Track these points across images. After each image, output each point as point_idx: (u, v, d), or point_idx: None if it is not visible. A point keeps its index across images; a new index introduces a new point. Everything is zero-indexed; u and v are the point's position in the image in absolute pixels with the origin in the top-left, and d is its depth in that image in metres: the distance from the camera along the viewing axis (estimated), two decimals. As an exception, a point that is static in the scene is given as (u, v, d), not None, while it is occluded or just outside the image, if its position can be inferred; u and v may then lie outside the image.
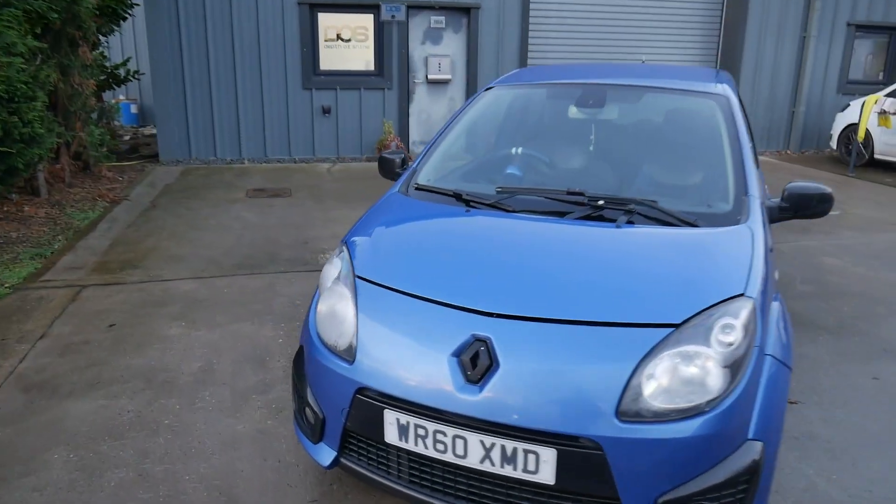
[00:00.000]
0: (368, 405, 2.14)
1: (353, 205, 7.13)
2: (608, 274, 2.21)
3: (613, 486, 1.91)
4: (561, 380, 1.93)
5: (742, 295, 2.12)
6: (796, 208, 2.72)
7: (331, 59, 9.84)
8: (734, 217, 2.51)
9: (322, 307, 2.38)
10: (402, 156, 3.35)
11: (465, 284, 2.19)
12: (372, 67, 10.01)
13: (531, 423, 1.93)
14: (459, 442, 2.01)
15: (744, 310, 2.10)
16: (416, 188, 2.94)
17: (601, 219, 2.52)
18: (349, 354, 2.20)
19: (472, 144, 3.39)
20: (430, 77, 10.17)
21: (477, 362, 1.99)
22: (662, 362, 1.93)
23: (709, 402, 1.93)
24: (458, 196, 2.77)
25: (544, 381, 1.94)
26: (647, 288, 2.13)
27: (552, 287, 2.15)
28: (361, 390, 2.15)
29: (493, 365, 1.98)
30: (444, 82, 10.32)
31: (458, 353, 2.02)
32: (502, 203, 2.66)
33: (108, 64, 9.31)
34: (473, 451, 1.99)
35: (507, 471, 1.97)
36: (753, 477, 1.96)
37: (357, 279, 2.34)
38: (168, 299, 4.41)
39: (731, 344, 2.00)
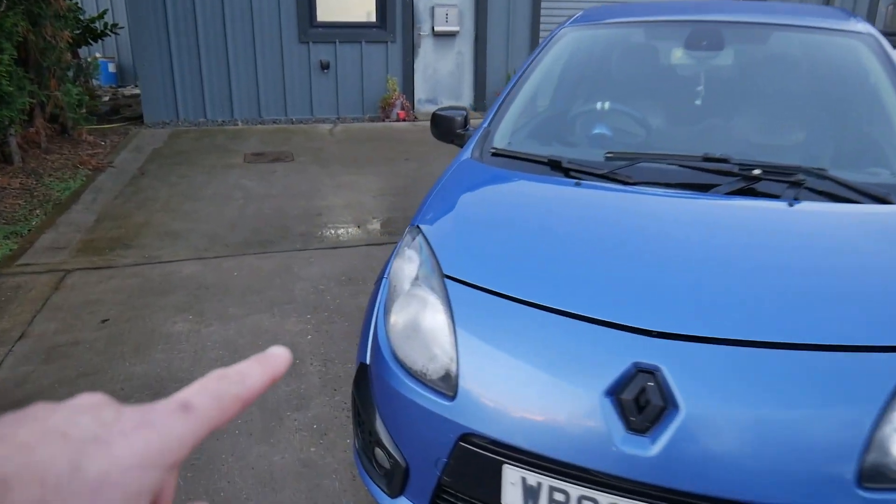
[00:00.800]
0: (478, 457, 1.55)
1: (364, 170, 6.46)
2: (806, 274, 1.61)
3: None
4: (773, 431, 1.35)
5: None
6: None
7: (329, 8, 9.00)
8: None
9: (398, 318, 1.77)
10: (464, 113, 2.70)
11: (610, 290, 1.59)
12: (374, 18, 9.19)
13: (729, 492, 1.36)
14: (615, 511, 1.44)
15: None
16: (494, 153, 2.30)
17: (753, 193, 1.91)
18: (448, 386, 1.61)
19: (549, 99, 2.74)
20: (436, 29, 9.37)
21: (643, 403, 1.40)
22: None
23: None
24: (554, 164, 2.14)
25: (748, 434, 1.36)
26: (866, 293, 1.55)
27: (739, 295, 1.55)
28: (467, 437, 1.56)
29: (666, 408, 1.39)
30: (452, 35, 9.54)
31: (614, 391, 1.43)
32: (618, 174, 2.04)
33: (82, 17, 8.43)
34: (634, 523, 1.42)
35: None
36: None
37: (447, 280, 1.72)
38: (169, 286, 3.77)
39: None
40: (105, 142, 7.50)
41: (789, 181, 1.89)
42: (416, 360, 1.68)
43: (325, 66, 9.01)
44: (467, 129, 2.67)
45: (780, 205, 1.83)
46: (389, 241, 4.57)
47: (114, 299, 3.58)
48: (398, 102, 9.17)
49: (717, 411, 1.37)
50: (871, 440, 1.33)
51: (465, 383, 1.57)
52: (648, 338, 1.46)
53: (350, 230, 4.78)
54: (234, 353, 3.03)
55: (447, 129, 2.68)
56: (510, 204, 1.98)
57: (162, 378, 2.83)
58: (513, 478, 1.51)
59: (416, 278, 1.79)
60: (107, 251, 4.29)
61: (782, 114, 2.42)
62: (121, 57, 12.77)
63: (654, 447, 1.38)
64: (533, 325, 1.56)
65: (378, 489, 1.82)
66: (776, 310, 1.49)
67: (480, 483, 1.57)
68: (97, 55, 12.47)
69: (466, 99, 9.98)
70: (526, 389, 1.50)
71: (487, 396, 1.54)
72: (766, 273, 1.60)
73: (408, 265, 1.85)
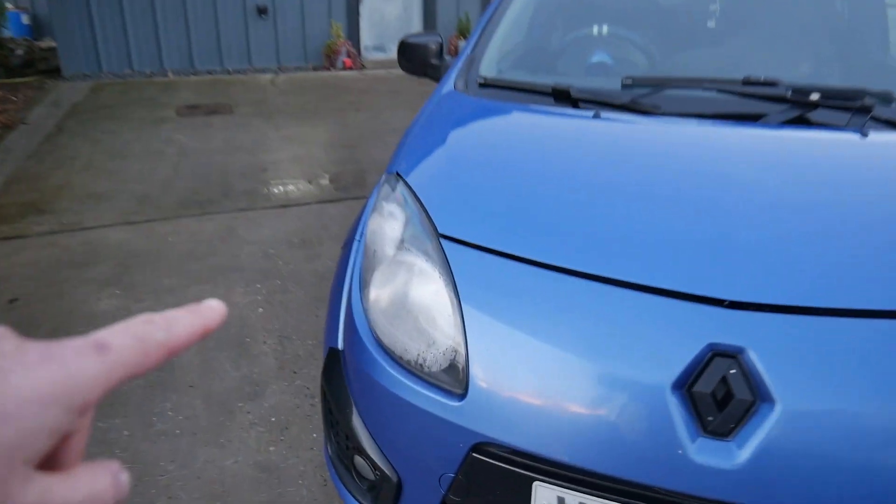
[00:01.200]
0: (498, 472, 1.18)
1: (312, 122, 5.92)
2: (876, 224, 1.27)
3: None
4: (891, 425, 1.02)
5: None
6: None
7: (264, -54, 8.24)
8: None
9: (380, 293, 1.36)
10: (439, 39, 2.25)
11: (665, 250, 1.21)
12: (313, -43, 8.47)
13: (840, 510, 1.03)
14: (683, 537, 1.10)
15: None
16: (483, 84, 1.88)
17: (809, 123, 1.55)
18: (454, 382, 1.22)
19: (538, 24, 2.31)
20: (382, -31, 8.73)
21: (724, 398, 1.05)
22: None
23: None
24: (560, 94, 1.74)
25: (862, 430, 1.02)
26: None
27: (829, 253, 1.19)
28: (482, 447, 1.19)
29: (755, 402, 1.04)
30: (399, -25, 8.92)
31: (684, 383, 1.07)
32: (642, 102, 1.64)
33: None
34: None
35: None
36: None
37: (444, 241, 1.32)
38: (92, 256, 3.25)
39: None
40: (17, 97, 6.69)
41: (854, 107, 1.54)
42: (409, 347, 1.28)
43: (262, 11, 8.29)
44: (443, 59, 2.23)
45: (849, 136, 1.48)
46: (344, 196, 4.11)
47: (25, 274, 3.05)
48: (344, 49, 8.55)
49: (823, 404, 1.03)
50: None
51: (477, 377, 1.18)
52: (726, 310, 1.10)
53: (300, 186, 4.30)
54: (171, 334, 2.57)
55: (419, 58, 2.23)
56: (513, 143, 1.57)
57: (84, 368, 2.36)
58: (546, 498, 1.15)
59: (402, 240, 1.38)
60: (18, 218, 3.70)
61: (810, 29, 2.05)
62: (36, 7, 11.59)
63: (741, 455, 1.03)
64: (566, 298, 1.17)
65: (359, 506, 1.44)
66: (876, 270, 1.15)
67: (501, 504, 1.20)
68: (9, 5, 11.31)
69: (417, 46, 9.39)
70: (561, 383, 1.13)
71: (509, 394, 1.16)
72: (853, 223, 1.25)
73: (389, 224, 1.43)
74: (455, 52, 9.07)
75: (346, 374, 1.47)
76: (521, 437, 1.15)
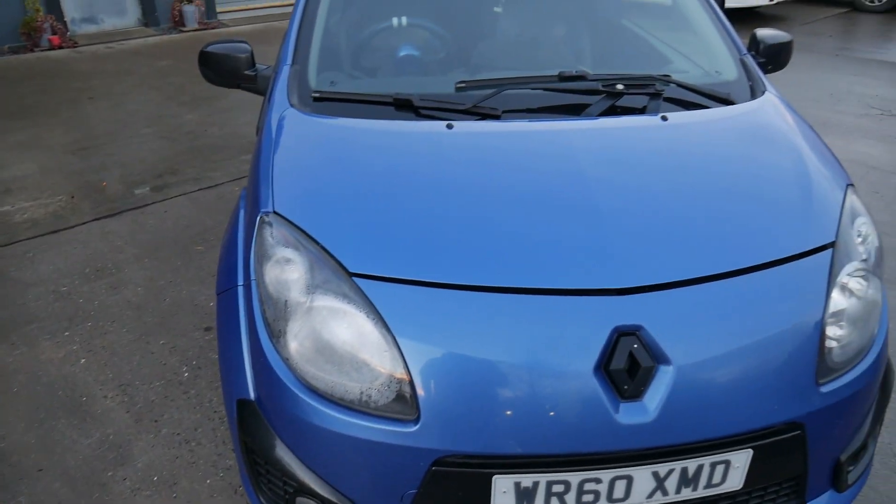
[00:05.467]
0: (459, 477, 1.32)
1: (43, 119, 5.13)
2: (717, 192, 1.60)
3: (805, 464, 1.48)
4: (751, 358, 1.36)
5: (850, 185, 1.73)
6: (771, 63, 2.37)
7: None
8: (752, 85, 2.05)
9: (304, 343, 1.37)
10: (248, 49, 2.14)
11: (561, 253, 1.40)
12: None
13: (725, 430, 1.35)
14: (620, 484, 1.35)
15: (858, 201, 1.72)
16: (318, 98, 1.87)
17: (617, 111, 1.85)
18: (405, 409, 1.31)
19: (347, 19, 2.30)
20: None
21: (632, 368, 1.30)
22: (838, 295, 1.47)
23: (876, 324, 1.56)
24: (402, 104, 1.82)
25: (732, 367, 1.35)
26: (774, 199, 1.60)
27: (678, 229, 1.47)
28: (442, 460, 1.31)
29: (656, 366, 1.31)
30: (96, -66, 7.83)
31: (601, 364, 1.30)
32: (484, 107, 1.80)
33: None
34: (640, 489, 1.36)
35: (685, 494, 1.39)
36: (888, 390, 1.69)
37: (358, 280, 1.37)
38: None
39: (872, 248, 1.62)
40: None
41: (649, 93, 1.87)
42: (349, 388, 1.34)
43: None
44: (255, 68, 2.14)
45: (654, 120, 1.80)
46: (124, 207, 3.73)
47: None
48: (47, 25, 7.39)
49: (703, 355, 1.32)
50: (821, 340, 1.42)
51: (427, 401, 1.29)
52: (620, 297, 1.34)
53: (64, 203, 3.78)
54: (-18, 416, 2.21)
55: (228, 70, 2.12)
56: (384, 165, 1.62)
57: None
58: (504, 486, 1.32)
59: (312, 286, 1.39)
60: None
61: (580, 18, 2.35)
62: None
63: (653, 410, 1.29)
64: (489, 313, 1.32)
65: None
66: (713, 238, 1.47)
67: (463, 502, 1.35)
68: None
69: (132, 14, 8.46)
70: (502, 389, 1.29)
71: (460, 409, 1.29)
72: (688, 199, 1.56)
73: (289, 271, 1.43)
74: (179, 19, 8.35)
75: (270, 423, 1.47)
76: (477, 443, 1.30)
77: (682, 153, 1.72)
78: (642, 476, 1.34)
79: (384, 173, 1.60)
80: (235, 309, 1.59)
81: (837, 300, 1.45)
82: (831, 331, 1.43)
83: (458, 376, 1.29)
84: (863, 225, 1.63)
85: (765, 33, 2.37)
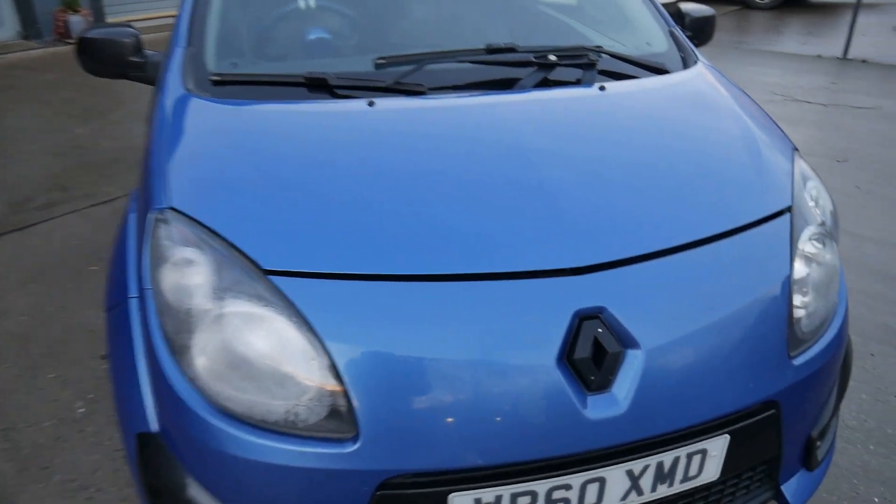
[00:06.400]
0: (411, 500, 1.13)
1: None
2: (666, 163, 1.47)
3: (780, 445, 1.37)
4: (723, 334, 1.23)
5: (795, 149, 1.66)
6: (697, 37, 2.30)
7: None
8: (684, 56, 1.96)
9: (213, 358, 1.14)
10: (135, 33, 1.88)
11: (507, 233, 1.23)
12: None
13: (700, 416, 1.22)
14: (592, 488, 1.19)
15: (806, 165, 1.65)
16: (218, 82, 1.64)
17: (550, 83, 1.71)
18: (341, 427, 1.11)
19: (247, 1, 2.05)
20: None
21: (599, 355, 1.15)
22: (800, 261, 1.37)
23: (837, 291, 1.48)
24: (315, 83, 1.61)
25: (704, 346, 1.22)
26: (720, 168, 1.50)
27: (628, 203, 1.34)
28: (389, 481, 1.11)
29: (622, 352, 1.16)
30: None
31: (565, 353, 1.14)
32: (408, 83, 1.62)
33: None
34: (614, 491, 1.21)
35: (661, 492, 1.26)
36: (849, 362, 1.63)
37: (274, 278, 1.15)
38: None
39: (827, 211, 1.55)
40: None
41: (582, 63, 1.74)
42: (272, 407, 1.12)
43: None
44: (144, 55, 1.88)
45: (592, 91, 1.67)
46: (5, 230, 3.31)
47: None
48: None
49: (673, 334, 1.18)
50: (790, 310, 1.31)
51: (367, 414, 1.09)
52: (578, 277, 1.18)
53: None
54: None
55: (112, 58, 1.84)
56: (299, 150, 1.41)
57: None
58: (463, 504, 1.14)
59: (218, 289, 1.16)
60: None
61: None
62: None
63: (623, 401, 1.14)
64: (432, 305, 1.13)
65: None
66: (670, 208, 1.34)
67: (416, 528, 1.16)
68: None
69: (10, 27, 7.78)
70: (454, 393, 1.10)
71: (406, 420, 1.10)
72: (640, 169, 1.43)
73: (190, 274, 1.20)
74: (63, 31, 7.75)
75: (179, 458, 1.23)
76: (429, 458, 1.11)
77: (626, 123, 1.60)
78: (616, 476, 1.19)
79: (298, 158, 1.39)
80: (128, 326, 1.33)
81: (800, 266, 1.36)
82: (797, 299, 1.34)
83: (402, 382, 1.10)
84: (814, 188, 1.56)
85: (689, 7, 2.31)
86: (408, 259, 1.17)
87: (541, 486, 1.15)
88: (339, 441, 1.10)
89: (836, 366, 1.45)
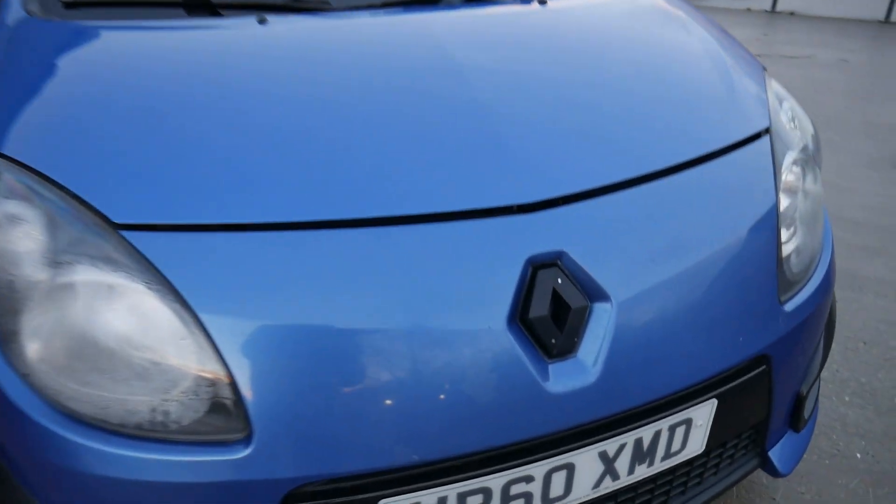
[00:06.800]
0: (327, 513, 0.87)
1: None
2: (628, 81, 1.23)
3: (770, 406, 1.18)
4: (707, 278, 1.01)
5: (765, 69, 1.45)
6: None
7: None
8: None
9: (48, 344, 0.84)
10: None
11: (436, 166, 0.97)
12: None
13: (685, 380, 1.00)
14: (558, 477, 0.96)
15: (779, 85, 1.44)
16: (70, 3, 1.30)
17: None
18: (227, 426, 0.83)
19: None
20: None
21: (562, 312, 0.90)
22: (785, 191, 1.16)
23: (822, 225, 1.28)
24: (193, 2, 1.30)
25: (686, 294, 0.99)
26: (688, 86, 1.27)
27: (589, 122, 1.09)
28: (297, 491, 0.85)
29: (588, 306, 0.92)
30: None
31: (518, 313, 0.89)
32: (309, 1, 1.32)
33: None
34: (584, 478, 0.98)
35: (639, 473, 1.04)
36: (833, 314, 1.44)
37: (127, 234, 0.86)
38: None
39: (807, 135, 1.35)
40: None
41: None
42: (132, 405, 0.83)
43: None
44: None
45: (531, 6, 1.41)
46: None
47: None
48: None
49: (648, 281, 0.95)
50: (778, 244, 1.10)
51: (262, 408, 0.82)
52: (530, 215, 0.93)
53: None
54: None
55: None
56: (168, 78, 1.10)
57: None
58: (397, 512, 0.89)
59: (54, 253, 0.86)
60: None
61: None
62: None
63: (593, 367, 0.91)
64: (343, 258, 0.86)
65: None
66: (636, 131, 1.10)
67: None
68: None
69: None
70: (380, 371, 0.84)
71: (317, 413, 0.83)
72: (598, 88, 1.18)
73: (17, 234, 0.88)
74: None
75: (18, 480, 0.94)
76: (349, 458, 0.85)
77: (576, 40, 1.35)
78: (586, 461, 0.96)
79: (166, 89, 1.08)
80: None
81: (784, 196, 1.15)
82: (785, 234, 1.13)
83: (306, 361, 0.83)
84: (790, 109, 1.35)
85: None
86: (307, 202, 0.90)
87: (495, 482, 0.91)
88: (227, 444, 0.83)
89: (825, 311, 1.26)
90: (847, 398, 1.80)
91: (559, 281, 0.90)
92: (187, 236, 0.86)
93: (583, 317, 0.91)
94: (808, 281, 1.18)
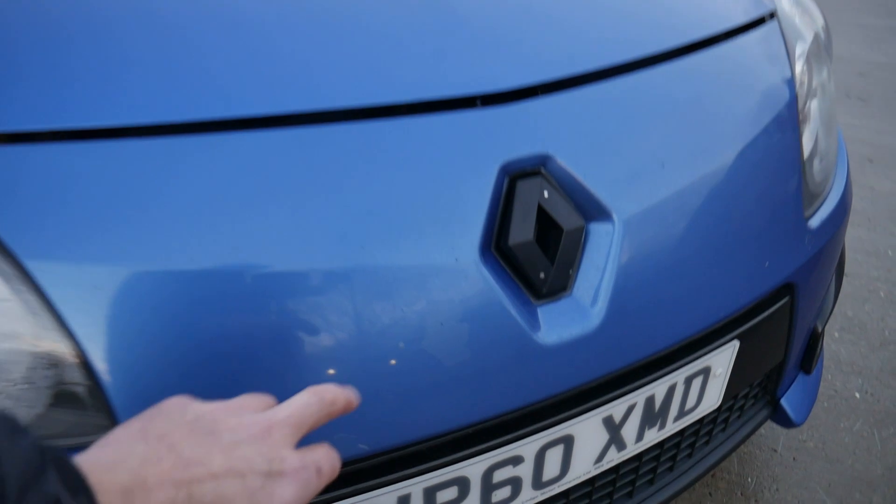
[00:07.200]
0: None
1: None
2: None
3: (788, 346, 0.98)
4: (726, 189, 0.78)
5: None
6: None
7: None
8: None
9: None
10: None
11: (381, 52, 0.70)
12: None
13: (706, 319, 0.78)
14: (553, 455, 0.74)
15: None
16: None
17: None
18: (79, 424, 0.57)
19: None
20: None
21: (552, 237, 0.67)
22: (799, 83, 0.95)
23: (836, 127, 1.08)
24: None
25: (703, 207, 0.76)
26: None
27: (570, 4, 0.85)
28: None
29: (584, 227, 0.69)
30: None
31: (493, 238, 0.65)
32: None
33: None
34: (585, 452, 0.76)
35: (648, 439, 0.83)
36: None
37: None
38: None
39: (818, 24, 1.14)
40: None
41: None
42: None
43: None
44: None
45: None
46: None
47: None
48: None
49: (656, 194, 0.73)
50: (800, 146, 0.89)
51: (130, 395, 0.56)
52: (504, 107, 0.68)
53: None
54: None
55: None
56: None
57: None
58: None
59: None
60: None
61: None
62: None
63: (594, 308, 0.68)
64: (246, 173, 0.60)
65: None
66: (631, 7, 0.87)
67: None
68: None
69: None
70: (306, 332, 0.59)
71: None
72: None
73: None
74: None
75: None
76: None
77: None
78: (588, 430, 0.74)
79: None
80: None
81: (801, 92, 0.94)
82: (806, 135, 0.92)
83: (197, 323, 0.57)
84: (795, -6, 1.14)
85: None
86: (202, 97, 0.62)
87: (472, 469, 0.68)
88: (79, 449, 0.57)
89: (844, 232, 1.07)
90: (836, 334, 1.66)
91: (545, 194, 0.66)
92: (18, 149, 0.58)
93: (578, 241, 0.68)
94: (828, 193, 0.98)
